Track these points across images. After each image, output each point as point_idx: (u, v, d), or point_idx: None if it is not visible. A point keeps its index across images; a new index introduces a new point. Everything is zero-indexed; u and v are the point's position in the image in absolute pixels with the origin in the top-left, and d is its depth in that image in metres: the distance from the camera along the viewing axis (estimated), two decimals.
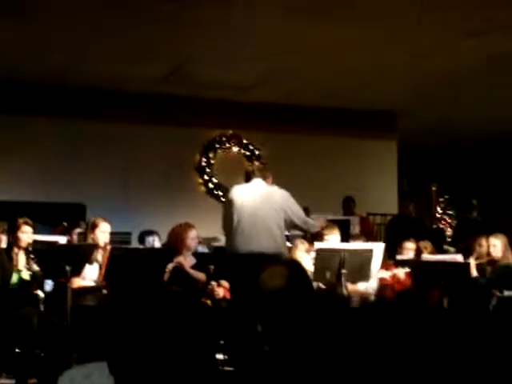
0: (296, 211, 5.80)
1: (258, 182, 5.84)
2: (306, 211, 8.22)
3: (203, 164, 10.68)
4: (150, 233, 7.57)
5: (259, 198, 5.68)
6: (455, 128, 11.95)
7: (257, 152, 10.82)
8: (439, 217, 13.89)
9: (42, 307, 5.61)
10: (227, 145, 10.83)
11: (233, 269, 5.69)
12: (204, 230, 7.52)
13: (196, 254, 6.70)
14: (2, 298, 5.71)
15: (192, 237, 6.63)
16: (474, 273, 6.56)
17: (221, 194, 10.56)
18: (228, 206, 5.78)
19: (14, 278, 5.77)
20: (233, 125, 10.73)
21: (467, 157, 13.67)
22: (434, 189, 13.76)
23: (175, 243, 6.56)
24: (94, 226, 6.18)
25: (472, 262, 6.63)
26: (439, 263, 6.42)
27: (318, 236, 6.63)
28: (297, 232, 7.13)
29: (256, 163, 6.18)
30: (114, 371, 1.66)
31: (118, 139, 10.10)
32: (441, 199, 14.28)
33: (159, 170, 10.24)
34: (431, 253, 7.08)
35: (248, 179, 5.90)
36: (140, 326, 1.62)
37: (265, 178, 5.89)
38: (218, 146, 10.78)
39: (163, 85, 9.67)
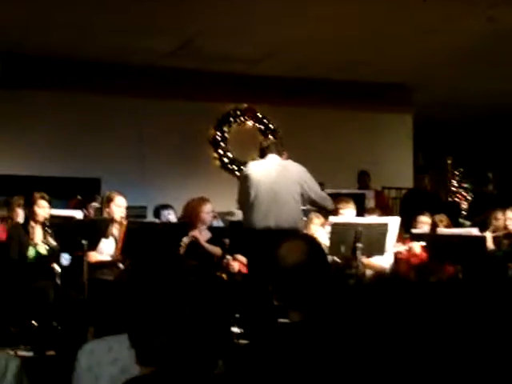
0: (312, 186, 5.76)
1: (273, 158, 5.79)
2: (321, 186, 8.21)
3: (218, 138, 10.66)
4: (166, 207, 7.59)
5: (275, 173, 5.64)
6: (470, 101, 11.83)
7: (271, 126, 10.78)
8: (454, 190, 13.81)
9: (58, 281, 5.65)
10: (242, 119, 10.80)
11: (250, 244, 5.70)
12: (218, 204, 7.53)
13: (211, 228, 6.72)
14: (20, 271, 5.77)
15: (207, 211, 6.64)
16: (491, 246, 6.53)
17: (235, 168, 10.57)
18: (244, 181, 5.74)
19: (31, 252, 5.82)
20: (246, 98, 10.68)
21: (482, 130, 13.55)
22: (449, 162, 13.66)
23: (190, 217, 6.58)
24: (109, 200, 6.19)
25: (489, 235, 6.60)
26: (455, 237, 6.39)
27: (334, 210, 6.61)
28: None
29: (270, 138, 6.10)
30: (134, 344, 1.67)
31: (132, 113, 10.09)
32: (456, 172, 14.19)
33: (174, 143, 10.24)
34: (447, 226, 7.04)
35: (263, 155, 5.86)
36: (158, 300, 1.62)
37: (280, 154, 5.85)
38: (232, 119, 10.75)
39: (176, 58, 9.63)
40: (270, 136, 6.22)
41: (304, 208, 6.68)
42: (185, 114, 10.24)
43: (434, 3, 7.42)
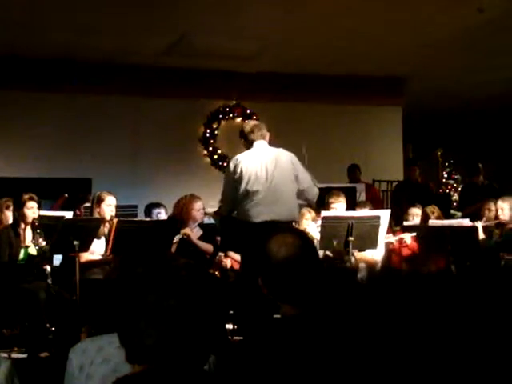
0: (305, 177, 5.63)
1: (261, 145, 5.64)
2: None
3: (207, 135, 10.65)
4: (156, 205, 7.56)
5: (269, 164, 5.51)
6: (460, 92, 11.84)
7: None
8: (445, 182, 13.85)
9: (49, 281, 5.63)
10: (231, 115, 10.78)
11: (247, 237, 5.57)
12: (209, 201, 7.51)
13: (202, 226, 6.71)
14: (11, 273, 5.74)
15: (198, 208, 6.63)
16: (482, 235, 6.54)
17: (225, 164, 10.55)
18: (235, 174, 5.56)
19: (22, 254, 5.80)
20: (236, 95, 10.67)
21: (472, 120, 13.58)
22: (439, 154, 13.69)
23: (181, 215, 6.57)
24: (99, 200, 6.17)
25: (480, 224, 6.61)
26: (446, 228, 6.40)
27: (325, 204, 6.61)
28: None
29: (250, 121, 5.83)
30: (124, 343, 1.66)
31: (122, 112, 10.08)
32: (446, 164, 14.22)
33: (164, 141, 10.22)
34: (438, 217, 7.06)
35: (248, 142, 5.67)
36: (147, 297, 1.61)
37: (264, 137, 5.70)
38: (221, 116, 10.73)
39: (166, 57, 9.61)
40: (247, 121, 5.84)
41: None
42: (174, 112, 10.23)
43: None
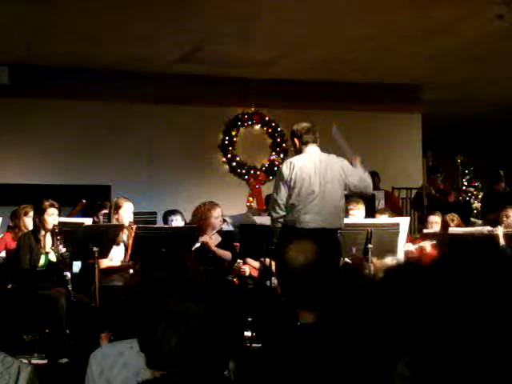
0: (353, 178, 5.60)
1: (313, 151, 5.62)
2: None
3: (226, 142, 10.66)
4: (173, 212, 7.57)
5: (323, 172, 5.50)
6: (480, 99, 11.77)
7: (279, 129, 10.77)
8: (465, 189, 13.75)
9: (70, 288, 5.65)
10: (249, 122, 10.79)
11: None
12: (227, 209, 7.52)
13: (221, 233, 6.71)
14: (31, 279, 5.78)
15: (216, 215, 6.63)
16: (502, 242, 6.47)
17: (244, 171, 10.57)
18: (290, 179, 5.51)
19: (42, 260, 5.83)
20: (255, 102, 10.67)
21: (492, 128, 13.49)
22: (459, 161, 13.59)
23: (200, 222, 6.58)
24: (117, 207, 6.19)
25: (500, 231, 6.54)
26: (466, 235, 6.35)
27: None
28: None
29: (303, 123, 5.72)
30: (144, 349, 1.66)
31: (141, 120, 10.12)
32: (466, 171, 14.12)
33: (183, 148, 10.24)
34: (458, 225, 7.01)
35: (301, 141, 5.63)
36: (169, 302, 1.61)
37: (316, 141, 5.68)
38: (240, 123, 10.74)
39: (184, 64, 9.63)
40: (300, 123, 5.68)
41: None
42: (193, 119, 10.25)
43: (444, 2, 7.38)
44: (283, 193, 5.55)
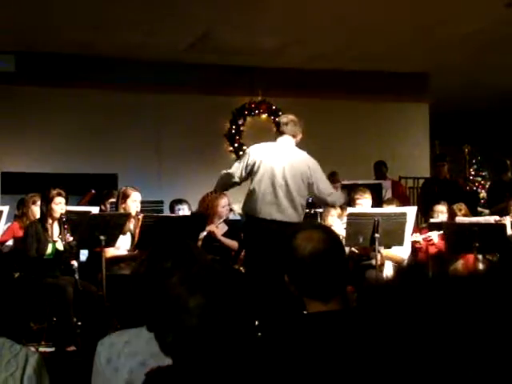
0: (323, 188, 5.63)
1: (285, 141, 5.63)
2: (334, 175, 8.16)
3: (233, 131, 10.65)
4: (179, 201, 7.57)
5: (288, 167, 5.50)
6: (487, 88, 11.72)
7: None
8: (472, 179, 13.70)
9: (77, 276, 5.67)
10: (256, 111, 10.77)
11: (250, 231, 5.57)
12: (234, 198, 7.51)
13: (228, 222, 6.71)
14: (38, 268, 5.79)
15: (223, 204, 6.63)
16: (510, 231, 6.46)
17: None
18: (250, 162, 5.56)
19: (49, 249, 5.84)
20: (262, 91, 10.65)
21: (500, 117, 13.42)
22: (466, 150, 13.53)
23: (206, 211, 6.57)
24: (124, 196, 6.19)
25: (508, 220, 6.52)
26: (473, 225, 6.33)
27: (351, 201, 6.57)
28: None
29: (291, 116, 5.82)
30: (155, 334, 1.65)
31: (147, 109, 10.11)
32: (474, 161, 14.06)
33: (189, 138, 10.24)
34: (465, 215, 6.98)
35: (278, 130, 5.68)
36: (177, 289, 1.60)
37: (295, 135, 5.70)
38: (247, 112, 10.72)
39: (191, 53, 9.61)
40: (288, 115, 5.87)
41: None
42: (200, 108, 10.24)
43: None
44: (238, 169, 5.60)
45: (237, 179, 5.65)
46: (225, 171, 5.77)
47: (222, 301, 1.62)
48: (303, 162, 5.59)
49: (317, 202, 6.06)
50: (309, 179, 5.55)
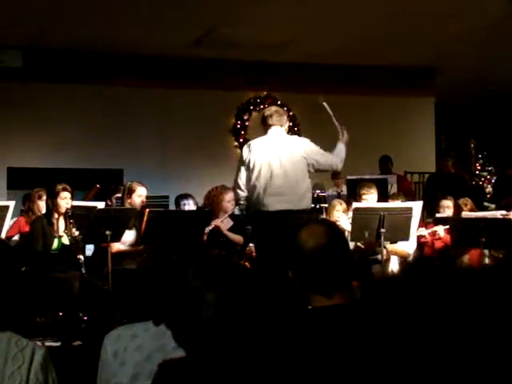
0: (323, 162, 5.68)
1: (276, 133, 5.67)
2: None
3: (238, 126, 10.64)
4: (185, 196, 7.58)
5: (282, 155, 5.54)
6: (493, 83, 11.67)
7: (291, 113, 10.73)
8: (478, 173, 13.67)
9: (83, 270, 5.69)
10: (262, 106, 10.76)
11: (259, 227, 5.62)
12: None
13: (233, 216, 6.71)
14: (44, 262, 5.81)
15: (228, 199, 6.63)
16: None
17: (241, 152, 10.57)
18: (247, 161, 5.63)
19: (55, 244, 5.86)
20: (267, 86, 10.64)
21: (505, 112, 13.38)
22: (472, 145, 13.51)
23: (212, 206, 6.58)
24: (130, 191, 6.21)
25: None
26: (479, 220, 6.32)
27: (357, 196, 6.57)
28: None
29: (273, 107, 5.97)
30: (169, 327, 1.66)
31: (152, 104, 10.12)
32: (479, 156, 14.03)
33: (195, 133, 10.24)
34: (471, 210, 6.97)
35: (265, 125, 5.71)
36: (194, 285, 1.61)
37: (282, 124, 5.73)
38: (252, 107, 10.72)
39: (196, 48, 9.61)
40: (271, 107, 6.05)
41: (325, 194, 6.60)
42: (205, 103, 10.23)
43: None
44: (242, 174, 5.69)
45: (245, 192, 5.72)
46: (235, 184, 5.84)
47: (237, 295, 1.62)
48: (297, 146, 5.63)
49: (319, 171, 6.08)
50: (307, 160, 5.60)
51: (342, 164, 5.97)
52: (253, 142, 5.74)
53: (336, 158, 5.84)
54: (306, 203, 5.62)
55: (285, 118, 5.79)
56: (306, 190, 5.61)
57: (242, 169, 5.70)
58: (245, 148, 5.79)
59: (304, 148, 5.62)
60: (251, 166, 5.60)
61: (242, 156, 5.81)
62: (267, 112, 5.81)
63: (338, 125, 6.08)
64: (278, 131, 5.68)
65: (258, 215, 5.57)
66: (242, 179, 5.69)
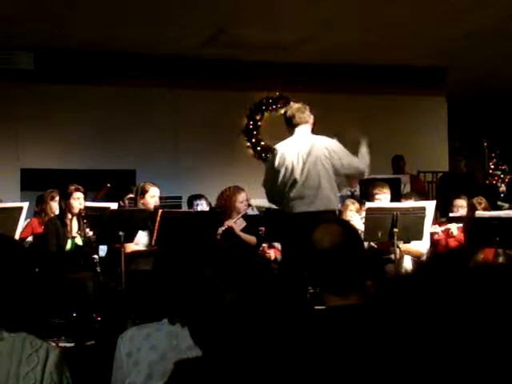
0: (347, 162, 5.59)
1: (301, 132, 5.61)
2: None
3: (250, 127, 10.64)
4: (198, 197, 7.59)
5: (305, 156, 5.50)
6: (505, 82, 11.61)
7: None
8: (492, 172, 13.60)
9: (98, 270, 5.70)
10: (274, 107, 10.75)
11: (285, 228, 5.61)
12: (252, 193, 7.51)
13: (246, 217, 6.71)
14: (58, 263, 5.83)
15: (241, 200, 6.64)
16: None
17: (268, 156, 10.56)
18: (274, 163, 5.61)
19: (69, 244, 5.88)
20: (279, 86, 10.63)
21: None
22: (485, 144, 13.45)
23: (225, 206, 6.58)
24: (143, 192, 6.22)
25: None
26: (494, 219, 6.27)
27: (369, 195, 6.55)
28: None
29: (294, 104, 5.83)
30: (188, 326, 1.66)
31: (165, 104, 10.13)
32: (493, 155, 13.96)
33: (207, 133, 10.24)
34: (485, 209, 6.92)
35: (291, 126, 5.66)
36: (213, 285, 1.61)
37: (307, 121, 5.67)
38: (264, 108, 10.71)
39: (208, 48, 9.61)
40: (292, 103, 5.88)
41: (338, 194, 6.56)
42: (217, 104, 10.24)
43: None
44: (270, 179, 5.67)
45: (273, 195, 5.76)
46: (265, 183, 5.79)
47: (257, 296, 1.62)
48: (321, 146, 5.55)
49: (349, 178, 5.98)
50: (331, 160, 5.53)
51: (368, 170, 5.88)
52: (279, 145, 5.71)
53: (361, 162, 5.76)
54: (331, 204, 5.55)
55: (307, 113, 5.68)
56: (330, 190, 5.54)
57: (269, 174, 5.71)
58: (271, 153, 5.80)
59: (328, 148, 5.55)
60: (276, 168, 5.58)
61: (268, 161, 5.85)
62: (289, 112, 5.71)
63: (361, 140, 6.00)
64: (304, 131, 5.62)
65: (284, 217, 5.55)
66: (271, 184, 5.69)
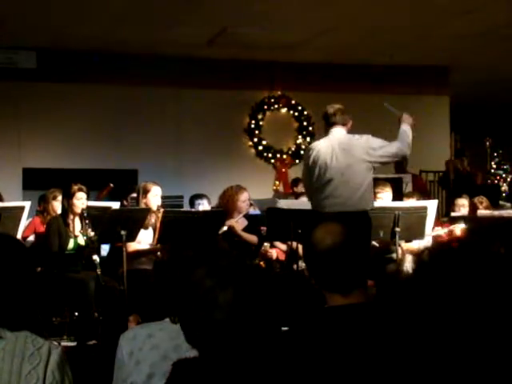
0: (380, 154, 5.51)
1: (337, 132, 5.55)
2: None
3: (252, 126, 10.65)
4: (199, 196, 7.58)
5: (341, 156, 5.44)
6: (507, 81, 11.60)
7: (306, 112, 10.72)
8: (494, 172, 13.60)
9: (98, 271, 5.70)
10: (276, 106, 10.76)
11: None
12: (254, 192, 7.52)
13: (248, 216, 6.71)
14: (60, 262, 5.84)
15: (243, 199, 6.63)
16: None
17: (270, 155, 10.57)
18: (308, 162, 5.59)
19: (71, 244, 5.88)
20: (281, 86, 10.63)
21: None
22: (487, 144, 13.44)
23: (226, 206, 6.58)
24: (145, 191, 6.21)
25: None
26: (496, 218, 6.26)
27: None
28: None
29: (336, 105, 5.68)
30: (182, 326, 1.66)
31: (167, 104, 10.14)
32: (495, 154, 13.95)
33: (209, 133, 10.25)
34: (487, 208, 6.92)
35: (328, 123, 5.60)
36: (207, 285, 1.61)
37: (345, 123, 5.60)
38: (266, 107, 10.72)
39: (210, 47, 9.62)
40: (335, 105, 5.71)
41: None
42: (219, 103, 10.24)
43: None
44: (305, 177, 5.76)
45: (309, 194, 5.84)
46: (303, 182, 5.99)
47: (251, 296, 1.62)
48: (358, 147, 5.48)
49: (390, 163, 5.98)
50: (370, 158, 5.47)
51: (410, 149, 5.79)
52: (314, 144, 5.71)
53: (400, 143, 5.69)
54: (366, 203, 5.52)
55: (347, 116, 5.63)
56: (364, 190, 5.50)
57: (305, 172, 5.74)
58: (305, 151, 5.86)
59: (365, 148, 5.47)
60: (310, 168, 5.56)
61: (304, 159, 5.86)
62: (330, 110, 5.60)
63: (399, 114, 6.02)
64: (339, 132, 5.56)
65: (317, 216, 5.48)
66: (306, 181, 5.78)
